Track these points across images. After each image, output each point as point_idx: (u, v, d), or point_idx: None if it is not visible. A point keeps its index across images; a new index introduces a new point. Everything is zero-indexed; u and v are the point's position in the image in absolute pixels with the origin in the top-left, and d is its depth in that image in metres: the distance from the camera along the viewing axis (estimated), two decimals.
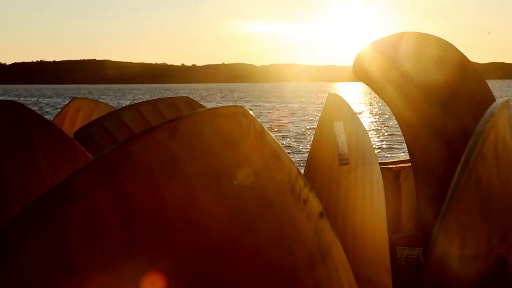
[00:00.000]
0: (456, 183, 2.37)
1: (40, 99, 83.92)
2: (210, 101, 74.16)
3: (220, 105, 2.26)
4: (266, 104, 65.91)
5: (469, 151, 2.31)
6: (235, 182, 2.17)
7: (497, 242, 2.65)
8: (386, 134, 29.81)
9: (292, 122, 38.11)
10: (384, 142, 26.12)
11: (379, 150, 22.92)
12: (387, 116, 40.21)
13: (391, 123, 33.97)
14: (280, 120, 40.42)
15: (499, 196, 2.63)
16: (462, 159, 2.31)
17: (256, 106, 60.14)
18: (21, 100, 75.52)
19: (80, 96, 8.30)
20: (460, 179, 2.34)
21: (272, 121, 38.69)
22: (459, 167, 2.30)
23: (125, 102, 63.16)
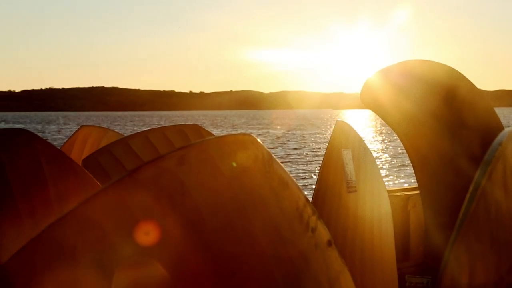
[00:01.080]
0: (465, 211, 2.37)
1: (49, 127, 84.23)
2: (218, 128, 74.29)
3: (228, 133, 2.27)
4: (274, 131, 65.99)
5: (478, 179, 2.31)
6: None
7: (506, 270, 2.64)
8: (393, 161, 29.76)
9: (300, 149, 38.09)
10: (392, 169, 26.05)
11: (387, 177, 22.85)
12: (394, 143, 40.15)
13: (398, 150, 33.92)
14: (288, 147, 40.41)
15: (508, 224, 2.62)
16: (471, 188, 2.31)
17: (264, 133, 60.19)
18: (30, 127, 75.73)
19: (88, 124, 8.32)
20: (469, 208, 2.34)
21: (279, 148, 38.68)
22: (468, 196, 2.30)
23: (133, 129, 63.31)
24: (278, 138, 51.81)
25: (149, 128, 6.53)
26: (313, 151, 36.84)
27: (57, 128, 76.46)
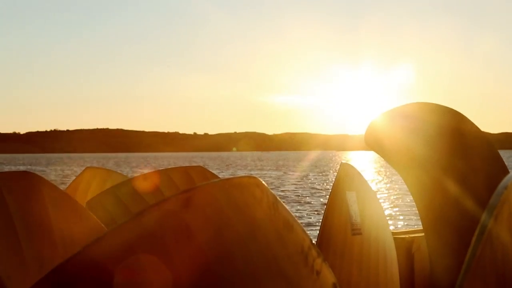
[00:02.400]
0: (471, 254, 2.36)
1: (54, 168, 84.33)
2: (223, 170, 74.29)
3: (233, 174, 2.27)
4: (278, 172, 65.96)
5: (484, 222, 2.31)
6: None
7: None
8: (398, 202, 29.67)
9: (304, 191, 38.02)
10: (397, 211, 25.97)
11: (392, 219, 22.77)
12: (399, 185, 40.08)
13: (403, 192, 33.84)
14: (292, 189, 40.35)
15: None
16: (477, 231, 2.31)
17: (268, 174, 60.18)
18: (35, 169, 75.83)
19: (93, 165, 8.34)
20: (476, 251, 2.33)
21: (284, 190, 38.62)
22: (474, 239, 2.29)
23: (137, 171, 63.36)
24: (282, 179, 51.75)
25: (153, 170, 6.54)
26: (318, 193, 36.77)
27: (62, 170, 76.57)
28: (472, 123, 5.18)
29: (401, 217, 23.87)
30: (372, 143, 5.44)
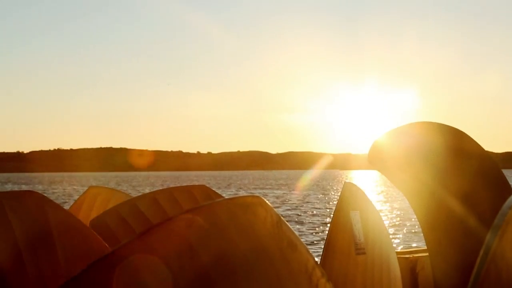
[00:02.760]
0: (476, 275, 2.35)
1: (58, 187, 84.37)
2: (226, 189, 74.23)
3: (236, 193, 2.27)
4: (281, 191, 65.89)
5: (488, 243, 2.30)
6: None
7: None
8: (402, 222, 29.60)
9: (308, 210, 37.96)
10: (400, 231, 25.90)
11: (395, 239, 22.71)
12: (402, 204, 40.01)
13: (406, 211, 33.78)
14: (295, 208, 40.29)
15: None
16: (482, 252, 2.30)
17: (271, 193, 60.11)
18: (39, 188, 75.83)
19: (96, 184, 8.34)
20: (480, 271, 2.32)
21: (287, 209, 38.57)
22: (478, 259, 2.28)
23: (141, 190, 63.33)
24: (285, 198, 51.69)
25: (157, 189, 6.54)
26: (321, 212, 36.71)
27: (66, 189, 76.58)
28: (476, 143, 5.18)
29: (405, 237, 23.80)
30: (375, 162, 5.44)
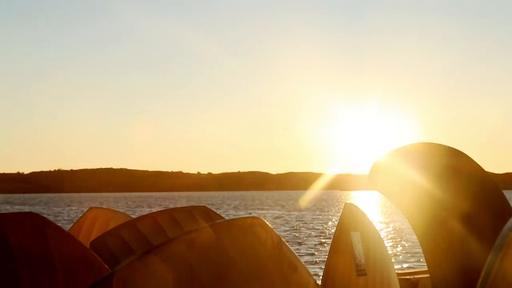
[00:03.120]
0: None
1: (58, 209, 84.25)
2: (227, 210, 74.11)
3: (237, 214, 2.27)
4: (281, 212, 65.77)
5: (490, 264, 2.29)
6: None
7: None
8: (402, 243, 29.53)
9: (308, 231, 37.88)
10: (401, 251, 25.83)
11: (396, 260, 22.65)
12: (403, 225, 39.92)
13: (407, 231, 33.70)
14: (296, 228, 40.20)
15: None
16: (483, 273, 2.29)
17: (271, 214, 59.96)
18: (39, 209, 75.69)
19: (96, 206, 8.33)
20: None
21: (288, 230, 38.48)
22: (479, 281, 2.27)
23: (141, 211, 63.25)
24: (286, 219, 51.59)
25: (157, 210, 6.53)
26: (322, 233, 36.63)
27: (66, 210, 76.48)
28: (476, 163, 5.18)
29: (405, 257, 23.72)
30: (376, 183, 5.44)
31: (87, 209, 7.64)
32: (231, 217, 2.38)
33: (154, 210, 6.70)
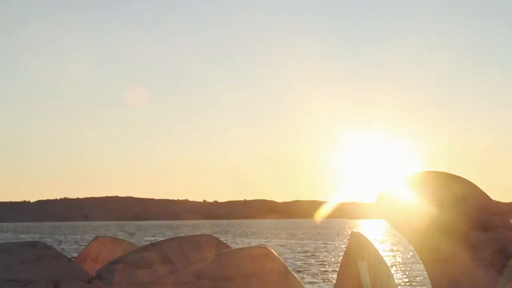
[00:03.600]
0: None
1: (64, 237, 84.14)
2: (233, 238, 73.85)
3: (243, 243, 2.28)
4: (287, 241, 65.50)
5: None
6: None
7: None
8: (409, 271, 29.37)
9: (315, 260, 37.72)
10: (408, 280, 25.68)
11: None
12: (409, 253, 39.70)
13: (413, 260, 33.51)
14: (302, 257, 40.04)
15: None
16: None
17: (278, 243, 59.74)
18: (45, 239, 75.65)
19: (102, 234, 8.35)
20: None
21: (294, 259, 38.33)
22: None
23: (147, 240, 63.06)
24: (292, 248, 51.41)
25: (163, 239, 6.52)
26: (328, 262, 36.47)
27: (72, 239, 76.40)
28: (482, 191, 5.18)
29: (412, 286, 23.58)
30: (382, 211, 5.44)
31: (93, 238, 7.64)
32: (238, 245, 2.40)
33: (160, 238, 6.69)
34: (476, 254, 5.03)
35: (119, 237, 8.30)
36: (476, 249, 5.03)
